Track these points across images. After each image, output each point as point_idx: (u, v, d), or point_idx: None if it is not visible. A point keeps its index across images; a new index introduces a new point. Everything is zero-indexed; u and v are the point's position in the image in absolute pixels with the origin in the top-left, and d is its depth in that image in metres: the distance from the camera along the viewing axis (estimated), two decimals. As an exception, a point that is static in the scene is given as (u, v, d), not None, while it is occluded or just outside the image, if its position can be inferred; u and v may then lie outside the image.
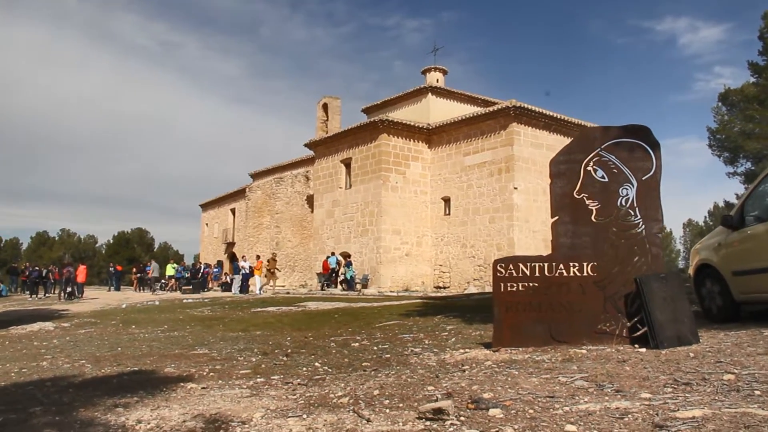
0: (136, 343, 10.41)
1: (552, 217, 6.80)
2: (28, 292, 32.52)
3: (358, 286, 31.05)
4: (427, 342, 8.26)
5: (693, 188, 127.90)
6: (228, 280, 35.94)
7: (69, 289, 28.17)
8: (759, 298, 7.38)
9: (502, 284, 6.71)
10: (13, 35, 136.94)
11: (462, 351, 6.76)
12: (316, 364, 6.48)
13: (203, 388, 5.00)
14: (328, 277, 32.30)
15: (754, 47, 34.27)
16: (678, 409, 3.14)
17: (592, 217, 6.66)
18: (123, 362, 7.47)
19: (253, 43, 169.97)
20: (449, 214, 32.60)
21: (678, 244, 76.04)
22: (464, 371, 5.25)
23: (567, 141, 31.54)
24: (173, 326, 14.20)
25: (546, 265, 6.69)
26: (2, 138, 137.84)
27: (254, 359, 7.24)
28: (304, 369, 6.12)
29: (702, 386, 3.75)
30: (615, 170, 6.70)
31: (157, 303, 22.91)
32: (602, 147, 6.73)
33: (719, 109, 36.25)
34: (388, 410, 3.67)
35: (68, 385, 5.56)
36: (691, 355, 5.30)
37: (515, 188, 29.75)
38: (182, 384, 5.26)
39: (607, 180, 6.70)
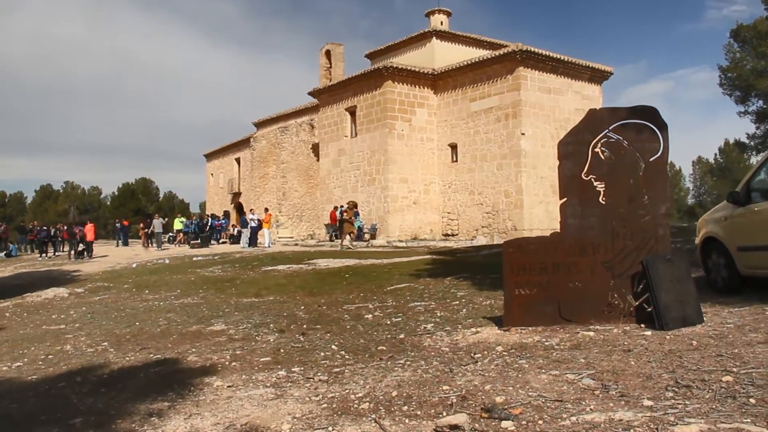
0: (153, 315, 10.78)
1: (560, 199, 7.01)
2: (37, 252, 33.02)
3: (367, 236, 31.42)
4: (439, 314, 8.57)
5: (702, 122, 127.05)
6: (235, 232, 36.37)
7: (79, 248, 28.62)
8: (763, 273, 7.63)
9: (511, 265, 6.97)
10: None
11: (473, 330, 7.06)
12: (333, 347, 6.79)
13: (229, 387, 5.32)
14: (336, 227, 32.64)
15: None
16: (677, 423, 3.43)
17: (600, 199, 6.87)
18: (144, 344, 7.82)
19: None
20: (456, 161, 32.73)
21: (687, 181, 75.67)
22: (476, 362, 5.55)
23: (575, 84, 31.85)
24: (186, 290, 14.59)
25: (555, 245, 6.95)
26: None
27: (272, 339, 7.57)
28: (322, 354, 6.44)
29: (701, 390, 4.02)
30: (623, 151, 6.88)
31: (167, 261, 23.31)
32: (610, 128, 6.90)
33: (731, 46, 35.92)
34: (407, 419, 3.97)
35: (98, 382, 5.88)
36: (694, 343, 5.56)
37: (522, 134, 29.80)
38: (207, 380, 5.57)
39: (614, 161, 6.89)
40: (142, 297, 14.06)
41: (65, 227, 32.52)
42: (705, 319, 6.60)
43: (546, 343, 6.08)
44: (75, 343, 8.36)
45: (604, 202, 6.88)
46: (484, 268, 13.63)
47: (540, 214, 30.35)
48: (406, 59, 35.26)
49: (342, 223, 26.07)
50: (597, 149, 6.93)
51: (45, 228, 33.07)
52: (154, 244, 34.84)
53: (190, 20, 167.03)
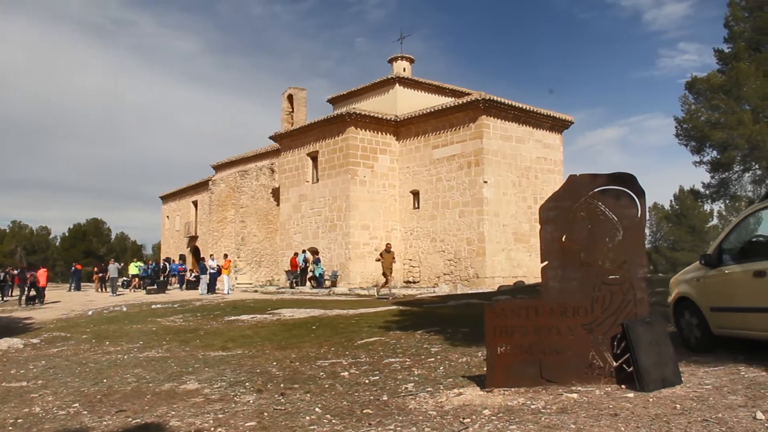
0: (119, 370, 10.63)
1: (542, 262, 7.23)
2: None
3: (327, 283, 31.42)
4: (416, 372, 8.64)
5: (656, 166, 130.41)
6: (192, 277, 36.03)
7: (30, 294, 28.07)
8: (735, 333, 7.93)
9: (494, 328, 7.12)
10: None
11: (456, 392, 7.15)
12: (317, 409, 6.81)
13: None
14: (297, 274, 32.58)
15: (720, 24, 35.00)
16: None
17: (580, 262, 7.10)
18: (118, 405, 7.72)
19: (210, 20, 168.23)
20: (418, 207, 33.06)
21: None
22: (467, 428, 5.65)
23: (536, 132, 32.53)
24: (148, 342, 14.40)
25: (536, 308, 7.12)
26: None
27: (251, 399, 7.55)
28: (307, 418, 6.45)
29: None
30: (602, 217, 7.14)
31: (124, 309, 23.00)
32: (589, 194, 7.17)
33: (686, 98, 37.02)
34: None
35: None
36: (678, 407, 5.76)
37: (485, 182, 30.30)
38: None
39: (594, 226, 7.14)
40: (104, 349, 13.84)
41: (16, 272, 31.89)
42: (683, 378, 6.82)
43: (532, 407, 6.20)
44: (43, 404, 8.21)
45: (583, 266, 7.10)
46: (454, 321, 13.78)
47: (502, 261, 30.74)
48: (369, 105, 35.69)
49: (385, 269, 24.66)
50: (577, 214, 7.16)
51: (-6, 272, 32.39)
52: (109, 290, 34.31)
53: (145, 55, 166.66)
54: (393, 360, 9.80)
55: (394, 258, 25.35)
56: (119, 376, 10.10)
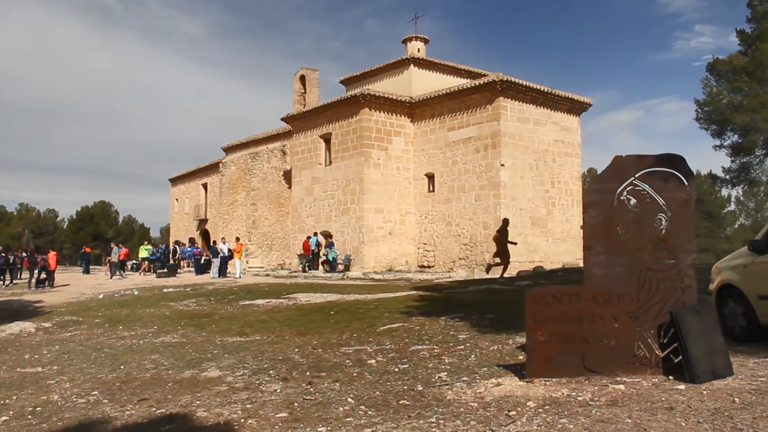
0: (136, 356, 10.44)
1: (585, 248, 6.95)
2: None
3: (341, 267, 31.20)
4: (447, 360, 8.40)
5: (671, 150, 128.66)
6: (202, 261, 35.80)
7: (40, 277, 27.99)
8: (786, 322, 7.65)
9: (534, 315, 6.86)
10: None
11: (494, 381, 6.90)
12: (349, 399, 6.58)
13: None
14: (310, 258, 32.37)
15: (738, 5, 34.49)
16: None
17: (626, 248, 6.81)
18: (139, 393, 7.52)
19: (218, 2, 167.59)
20: (433, 191, 32.74)
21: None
22: (515, 421, 5.40)
23: (554, 115, 32.13)
24: (163, 327, 14.23)
25: (579, 295, 6.85)
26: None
27: (278, 388, 7.32)
28: (341, 409, 6.22)
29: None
30: (649, 200, 6.84)
31: (135, 293, 22.85)
32: (636, 176, 6.86)
33: (707, 80, 36.55)
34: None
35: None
36: (736, 401, 5.50)
37: (502, 165, 29.94)
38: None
39: (640, 210, 6.85)
40: (118, 334, 13.67)
41: (25, 254, 31.78)
42: (734, 371, 6.55)
43: (579, 398, 5.95)
44: (61, 392, 8.02)
45: (629, 252, 6.81)
46: (477, 307, 13.51)
47: (519, 246, 30.38)
48: (383, 86, 35.30)
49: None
50: (623, 197, 6.87)
51: (3, 254, 32.23)
52: (118, 273, 34.26)
53: (153, 37, 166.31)
54: (420, 347, 9.55)
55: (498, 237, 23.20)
56: (136, 362, 9.91)
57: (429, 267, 32.32)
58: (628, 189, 6.86)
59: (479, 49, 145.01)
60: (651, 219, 6.84)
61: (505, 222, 23.76)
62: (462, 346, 9.34)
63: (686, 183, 6.88)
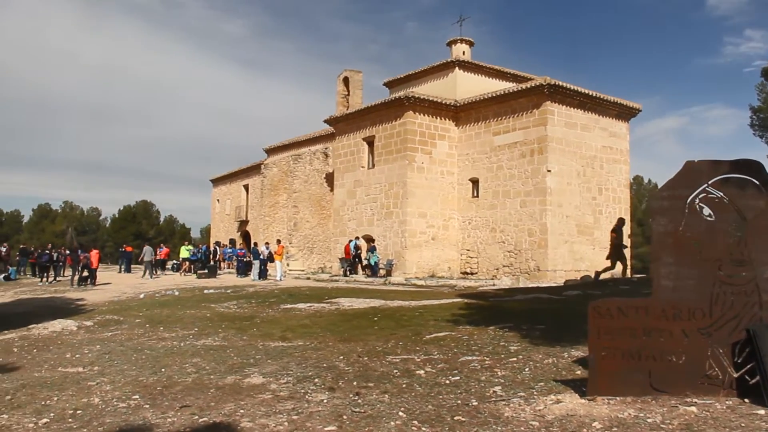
0: (177, 359, 10.27)
1: (653, 258, 6.57)
2: (38, 276, 32.53)
3: (382, 272, 30.95)
4: (500, 373, 8.06)
5: (720, 158, 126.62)
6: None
7: (83, 275, 28.17)
8: None
9: (598, 329, 6.49)
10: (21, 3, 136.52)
11: (553, 398, 6.55)
12: (400, 413, 6.27)
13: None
14: (351, 262, 32.14)
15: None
16: None
17: (698, 259, 6.41)
18: (181, 399, 7.31)
19: (258, 3, 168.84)
20: (477, 196, 32.35)
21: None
22: (582, 445, 5.06)
23: (602, 120, 31.54)
24: (204, 329, 14.10)
25: (646, 308, 6.46)
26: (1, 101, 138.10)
27: (324, 398, 7.06)
28: (392, 424, 5.92)
29: None
30: (723, 208, 6.43)
31: (176, 293, 22.82)
32: (709, 183, 6.46)
33: (763, 86, 35.62)
34: None
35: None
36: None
37: (548, 170, 29.47)
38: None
39: (714, 219, 6.44)
40: (158, 335, 13.56)
41: (68, 252, 32.05)
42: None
43: (648, 420, 5.57)
44: (101, 394, 7.85)
45: (702, 263, 6.41)
46: (526, 317, 13.12)
47: (564, 254, 29.92)
48: (427, 89, 34.99)
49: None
50: (695, 205, 6.47)
51: (47, 251, 32.56)
52: (158, 272, 34.53)
53: (194, 38, 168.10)
54: (470, 358, 9.22)
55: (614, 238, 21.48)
56: (177, 365, 9.73)
57: (472, 274, 31.92)
58: (700, 196, 6.46)
59: (521, 54, 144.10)
60: (725, 229, 6.43)
61: (621, 221, 22.80)
62: (514, 359, 8.99)
63: (764, 191, 6.45)
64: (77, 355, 11.37)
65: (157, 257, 36.50)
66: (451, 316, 13.88)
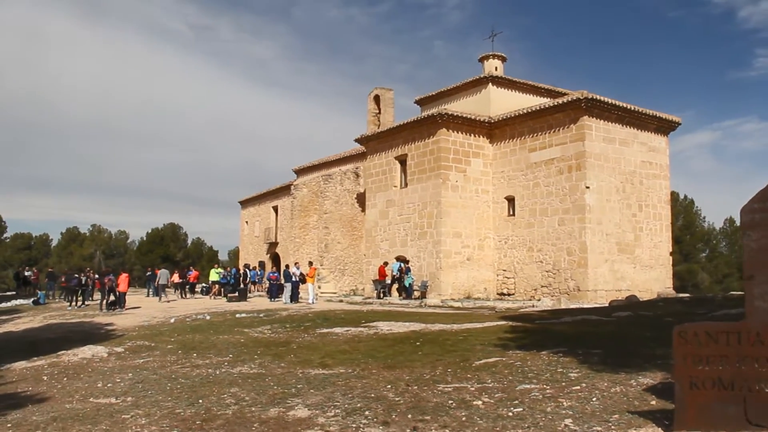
0: (214, 389, 9.80)
1: (745, 277, 5.97)
2: (66, 300, 32.32)
3: (416, 294, 30.38)
4: (566, 404, 7.48)
5: (752, 173, 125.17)
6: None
7: (110, 299, 27.91)
8: None
9: (685, 356, 5.90)
10: (43, 22, 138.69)
11: (635, 434, 5.98)
12: (467, 454, 5.74)
13: None
14: (385, 284, 31.59)
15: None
16: None
17: (799, 277, 5.81)
18: (223, 435, 6.83)
19: (286, 25, 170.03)
20: (513, 214, 31.73)
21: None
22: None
23: (641, 134, 30.86)
24: (239, 355, 13.66)
25: (739, 333, 5.87)
26: (32, 125, 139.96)
27: (380, 435, 6.54)
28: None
29: None
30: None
31: (207, 317, 22.40)
32: (810, 192, 5.88)
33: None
34: None
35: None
36: None
37: (587, 187, 28.82)
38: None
39: (817, 232, 5.85)
40: (192, 362, 13.13)
41: (97, 276, 31.85)
42: None
43: (753, 463, 4.99)
44: (137, 429, 7.40)
45: (802, 281, 5.81)
46: (579, 341, 12.47)
47: (605, 273, 29.19)
48: (460, 106, 34.53)
49: None
50: (793, 217, 5.88)
51: (76, 275, 32.38)
52: (186, 295, 34.51)
53: (222, 62, 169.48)
54: (528, 386, 8.64)
55: None
56: (215, 395, 9.26)
57: (509, 295, 31.24)
58: (800, 208, 5.87)
59: (547, 70, 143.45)
60: (830, 244, 5.83)
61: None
62: (577, 387, 8.39)
63: None
64: (109, 385, 10.97)
65: (187, 280, 36.45)
66: (498, 341, 13.29)
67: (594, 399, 7.66)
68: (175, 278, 38.31)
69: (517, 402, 7.79)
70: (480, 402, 7.92)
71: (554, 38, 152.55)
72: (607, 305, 21.88)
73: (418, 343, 13.76)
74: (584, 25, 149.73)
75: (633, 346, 11.33)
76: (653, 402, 7.24)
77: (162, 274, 34.75)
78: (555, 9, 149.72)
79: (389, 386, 9.32)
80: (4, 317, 27.42)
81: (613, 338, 12.56)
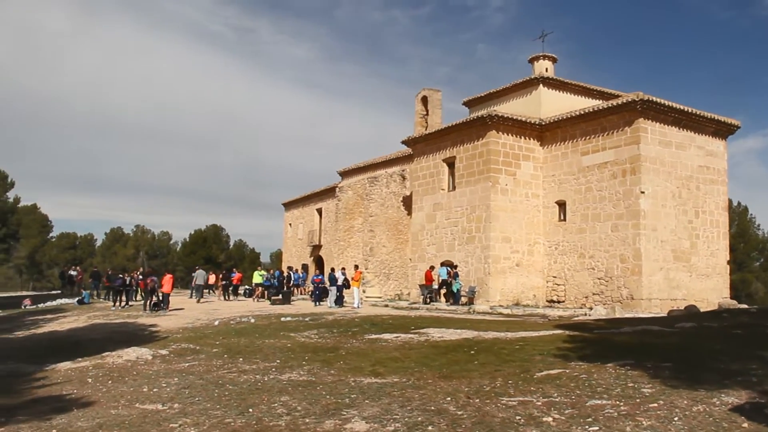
0: (264, 397, 9.45)
1: None
2: (110, 300, 32.39)
3: (464, 300, 29.82)
4: (645, 423, 6.97)
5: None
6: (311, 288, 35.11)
7: (154, 300, 27.88)
8: None
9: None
10: (94, 29, 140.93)
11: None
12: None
13: None
14: (432, 289, 31.06)
15: None
16: None
17: None
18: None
19: (327, 26, 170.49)
20: (564, 219, 30.97)
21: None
22: None
23: (698, 138, 29.94)
24: (286, 361, 13.34)
25: None
26: (77, 127, 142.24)
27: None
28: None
29: None
30: None
31: (252, 320, 22.16)
32: None
33: None
34: None
35: None
36: None
37: (642, 192, 27.95)
38: None
39: None
40: (238, 367, 12.83)
41: (140, 276, 31.88)
42: None
43: None
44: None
45: None
46: (645, 353, 11.84)
47: (659, 281, 28.32)
48: (509, 108, 33.81)
49: None
50: None
51: (120, 276, 32.47)
52: (231, 297, 34.54)
53: (264, 63, 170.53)
54: (599, 402, 8.11)
55: None
56: (265, 404, 8.91)
57: (558, 302, 30.50)
58: None
59: (593, 72, 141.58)
60: None
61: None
62: (654, 404, 7.84)
63: None
64: (155, 389, 10.70)
65: (231, 282, 36.41)
66: (557, 351, 12.72)
67: (676, 419, 7.13)
68: (211, 279, 38.45)
69: (590, 420, 7.28)
70: (549, 419, 7.43)
71: (598, 39, 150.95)
72: (665, 315, 21.10)
73: (472, 352, 13.28)
74: (630, 26, 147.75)
75: (705, 359, 10.69)
76: (745, 425, 6.69)
77: (199, 275, 34.79)
78: (598, 11, 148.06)
79: (449, 398, 8.87)
80: (49, 316, 27.58)
81: (681, 351, 11.91)
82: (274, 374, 11.72)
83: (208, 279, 37.07)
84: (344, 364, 12.58)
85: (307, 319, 21.98)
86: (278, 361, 13.42)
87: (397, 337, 16.31)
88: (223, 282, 36.70)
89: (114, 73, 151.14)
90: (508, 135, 31.32)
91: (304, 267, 45.72)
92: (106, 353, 15.32)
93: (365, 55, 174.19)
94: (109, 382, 11.86)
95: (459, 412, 7.93)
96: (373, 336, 16.73)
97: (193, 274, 37.09)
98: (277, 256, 75.85)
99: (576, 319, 21.38)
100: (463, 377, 10.50)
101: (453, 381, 10.21)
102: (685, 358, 10.99)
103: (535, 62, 36.74)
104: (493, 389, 9.42)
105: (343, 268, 31.48)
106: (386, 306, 29.83)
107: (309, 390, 9.93)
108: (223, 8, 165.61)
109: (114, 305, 30.68)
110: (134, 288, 32.85)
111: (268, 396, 9.53)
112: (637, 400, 8.12)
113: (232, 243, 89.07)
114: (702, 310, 22.42)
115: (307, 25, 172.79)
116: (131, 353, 15.16)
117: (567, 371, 10.42)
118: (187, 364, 13.57)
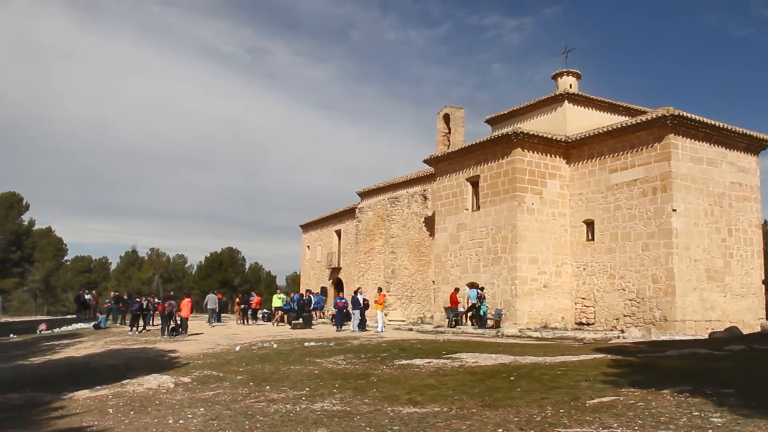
0: (299, 429, 8.94)
1: None
2: (128, 325, 32.00)
3: (491, 323, 29.18)
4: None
5: None
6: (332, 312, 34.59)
7: (172, 325, 27.44)
8: None
9: None
10: (98, 46, 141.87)
11: None
12: None
13: None
14: (458, 312, 30.43)
15: None
16: None
17: None
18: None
19: (343, 47, 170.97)
20: (593, 239, 30.34)
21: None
22: None
23: (729, 154, 29.26)
24: (316, 389, 12.76)
25: None
26: (90, 152, 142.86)
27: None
28: None
29: None
30: None
31: (274, 345, 21.64)
32: None
33: None
34: None
35: None
36: None
37: (674, 210, 27.33)
38: None
39: None
40: (266, 396, 12.27)
41: (158, 301, 31.49)
42: None
43: None
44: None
45: None
46: (701, 378, 11.16)
47: (693, 302, 27.60)
48: (534, 125, 33.33)
49: None
50: None
51: (138, 300, 32.08)
52: (250, 321, 34.14)
53: (279, 85, 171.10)
54: (669, 435, 7.49)
55: None
56: (304, 439, 8.31)
57: (588, 324, 29.79)
58: None
59: (610, 91, 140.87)
60: None
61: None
62: (730, 438, 7.22)
63: None
64: (181, 421, 10.16)
65: (249, 305, 35.99)
66: (603, 376, 12.08)
67: (760, 455, 6.50)
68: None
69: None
70: (620, 456, 6.82)
71: (614, 58, 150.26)
72: (707, 338, 20.34)
73: (512, 378, 12.65)
74: (647, 44, 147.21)
75: (769, 384, 10.06)
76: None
77: (210, 299, 34.52)
78: (613, 29, 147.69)
79: (500, 429, 8.27)
80: (65, 341, 27.17)
81: (740, 376, 11.23)
82: (305, 403, 11.15)
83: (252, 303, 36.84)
84: (378, 392, 12.00)
85: (331, 344, 21.41)
86: (307, 389, 12.84)
87: (429, 362, 15.71)
88: (242, 306, 36.18)
89: (134, 99, 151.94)
90: (533, 152, 30.83)
91: (323, 290, 45.17)
92: (126, 381, 14.83)
93: (381, 75, 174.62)
94: (131, 412, 11.32)
95: (515, 448, 7.33)
96: (404, 361, 16.12)
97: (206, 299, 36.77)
98: (293, 279, 75.45)
99: (612, 342, 20.67)
100: (509, 406, 9.90)
101: (498, 410, 9.61)
102: (748, 384, 10.32)
103: (559, 78, 36.34)
104: (544, 419, 8.82)
105: (361, 290, 30.92)
106: (410, 330, 29.23)
107: (346, 421, 9.36)
108: (238, 29, 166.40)
109: (131, 330, 30.26)
110: (152, 312, 32.44)
111: (303, 428, 9.00)
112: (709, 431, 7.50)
113: (247, 266, 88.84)
114: (746, 332, 21.69)
115: (322, 46, 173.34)
116: (152, 381, 14.63)
117: (621, 398, 9.80)
118: (211, 393, 13.03)
